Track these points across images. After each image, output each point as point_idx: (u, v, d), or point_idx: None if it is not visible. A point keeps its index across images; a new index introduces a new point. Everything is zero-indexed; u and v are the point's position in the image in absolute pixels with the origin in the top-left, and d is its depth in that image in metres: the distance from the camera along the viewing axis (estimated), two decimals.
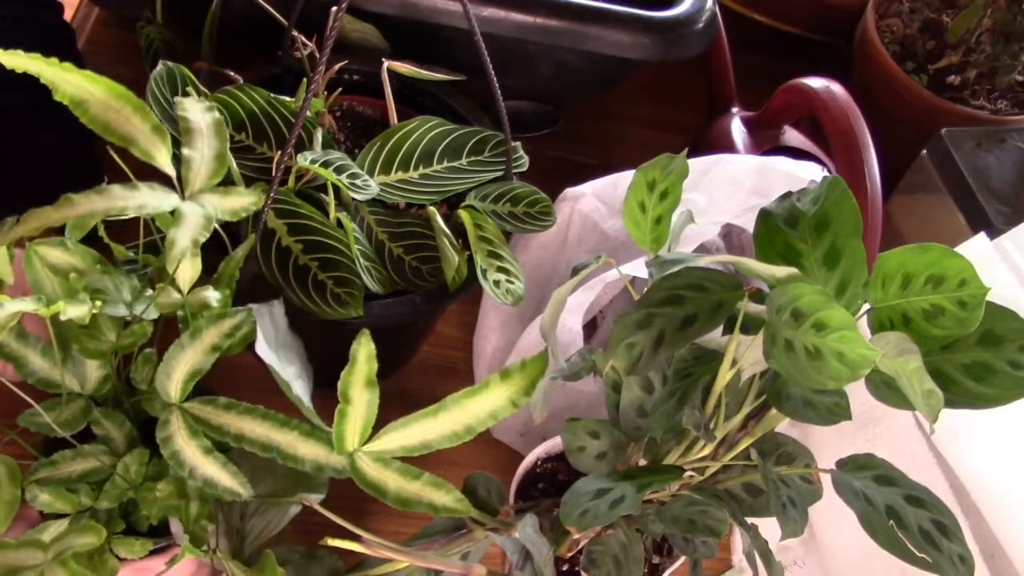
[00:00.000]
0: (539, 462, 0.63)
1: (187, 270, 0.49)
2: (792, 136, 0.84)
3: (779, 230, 0.44)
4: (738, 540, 0.70)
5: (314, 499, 0.51)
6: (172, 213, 0.47)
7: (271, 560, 0.47)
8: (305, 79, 0.66)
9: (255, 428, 0.47)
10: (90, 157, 0.73)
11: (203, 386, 0.50)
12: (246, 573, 0.48)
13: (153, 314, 0.48)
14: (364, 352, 0.47)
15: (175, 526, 0.50)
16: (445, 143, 0.66)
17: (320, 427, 0.48)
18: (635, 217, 0.50)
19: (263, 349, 0.48)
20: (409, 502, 0.47)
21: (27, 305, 0.42)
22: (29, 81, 0.43)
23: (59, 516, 0.49)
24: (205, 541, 0.49)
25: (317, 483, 0.52)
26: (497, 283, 0.61)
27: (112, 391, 0.51)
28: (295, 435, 0.47)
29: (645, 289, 0.46)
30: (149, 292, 0.49)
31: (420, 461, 0.60)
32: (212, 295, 0.49)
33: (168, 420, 0.48)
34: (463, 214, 0.63)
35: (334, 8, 0.58)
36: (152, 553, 0.51)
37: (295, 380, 0.50)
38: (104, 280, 0.47)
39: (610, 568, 0.52)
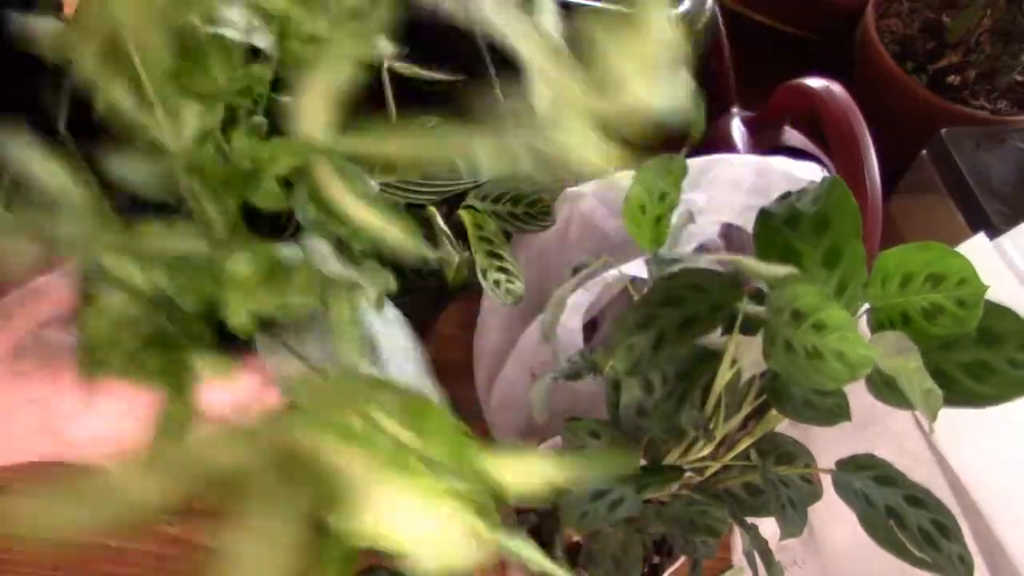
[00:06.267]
0: None
1: None
2: (792, 136, 0.84)
3: (779, 230, 0.44)
4: (738, 540, 0.70)
5: None
6: None
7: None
8: None
9: None
10: None
11: None
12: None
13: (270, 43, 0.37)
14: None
15: (264, 342, 0.39)
16: None
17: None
18: (635, 217, 0.50)
19: None
20: None
21: None
22: None
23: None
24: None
25: None
26: (497, 283, 0.61)
27: (211, 162, 0.40)
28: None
29: (645, 290, 0.46)
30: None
31: None
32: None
33: (313, 168, 0.36)
34: (463, 214, 0.63)
35: None
36: None
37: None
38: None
39: (609, 567, 0.52)
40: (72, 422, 0.41)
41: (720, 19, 0.84)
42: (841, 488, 0.46)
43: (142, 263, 0.38)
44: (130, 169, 0.39)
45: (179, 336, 0.39)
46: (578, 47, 0.33)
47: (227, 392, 0.43)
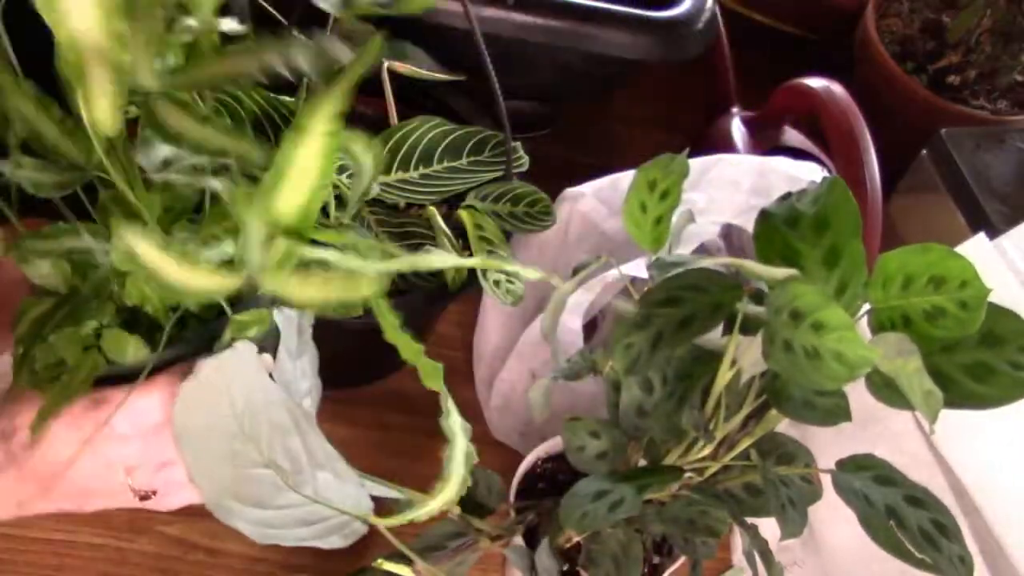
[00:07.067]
0: (539, 462, 0.63)
1: None
2: (792, 136, 0.84)
3: (779, 230, 0.44)
4: (738, 540, 0.70)
5: None
6: None
7: None
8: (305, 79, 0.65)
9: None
10: None
11: None
12: None
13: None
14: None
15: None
16: (445, 143, 0.66)
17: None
18: (635, 217, 0.50)
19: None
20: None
21: None
22: None
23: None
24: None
25: None
26: (497, 283, 0.61)
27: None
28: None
29: (645, 289, 0.46)
30: None
31: (417, 461, 0.59)
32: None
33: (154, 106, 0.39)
34: (463, 214, 0.63)
35: None
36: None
37: (304, 397, 0.48)
38: None
39: (609, 568, 0.52)
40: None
41: (720, 19, 0.84)
42: (841, 488, 0.46)
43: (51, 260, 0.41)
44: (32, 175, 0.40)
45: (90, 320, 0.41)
46: None
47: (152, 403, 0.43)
